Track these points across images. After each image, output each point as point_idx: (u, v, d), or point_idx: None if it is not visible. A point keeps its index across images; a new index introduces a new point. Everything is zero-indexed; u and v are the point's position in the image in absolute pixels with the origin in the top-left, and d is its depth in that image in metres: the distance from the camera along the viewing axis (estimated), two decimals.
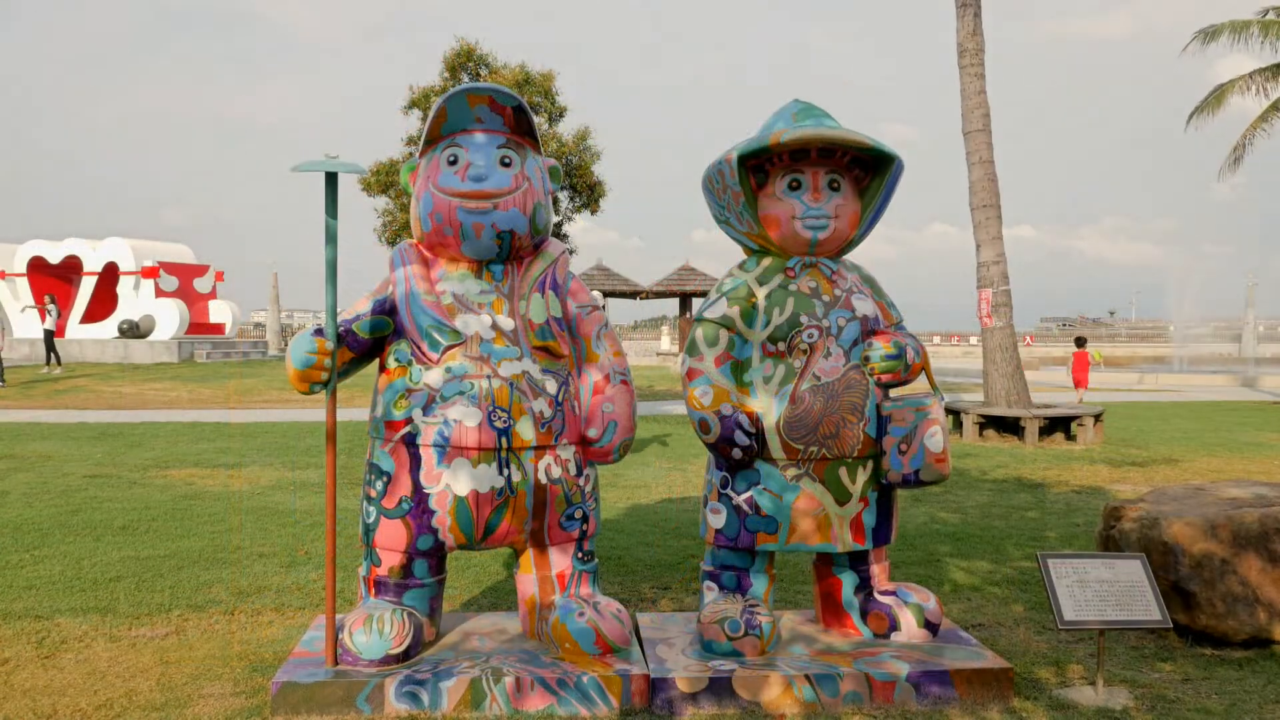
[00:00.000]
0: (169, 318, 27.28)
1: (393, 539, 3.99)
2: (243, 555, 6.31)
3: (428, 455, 3.89)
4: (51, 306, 23.98)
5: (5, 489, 8.61)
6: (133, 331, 26.87)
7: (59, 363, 23.61)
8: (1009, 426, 13.30)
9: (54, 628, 4.77)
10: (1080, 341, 18.78)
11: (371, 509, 4.05)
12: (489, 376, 3.88)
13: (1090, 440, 12.82)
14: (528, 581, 4.22)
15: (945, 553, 6.45)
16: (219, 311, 29.90)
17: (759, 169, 4.19)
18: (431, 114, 3.99)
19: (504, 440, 3.86)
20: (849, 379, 4.10)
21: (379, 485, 4.01)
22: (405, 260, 4.10)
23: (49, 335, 23.58)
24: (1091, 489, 9.12)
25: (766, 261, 4.28)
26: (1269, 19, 20.02)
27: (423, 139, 4.10)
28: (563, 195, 17.77)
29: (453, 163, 3.98)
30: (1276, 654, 4.48)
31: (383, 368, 4.09)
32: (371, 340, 4.02)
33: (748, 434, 4.02)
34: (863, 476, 4.15)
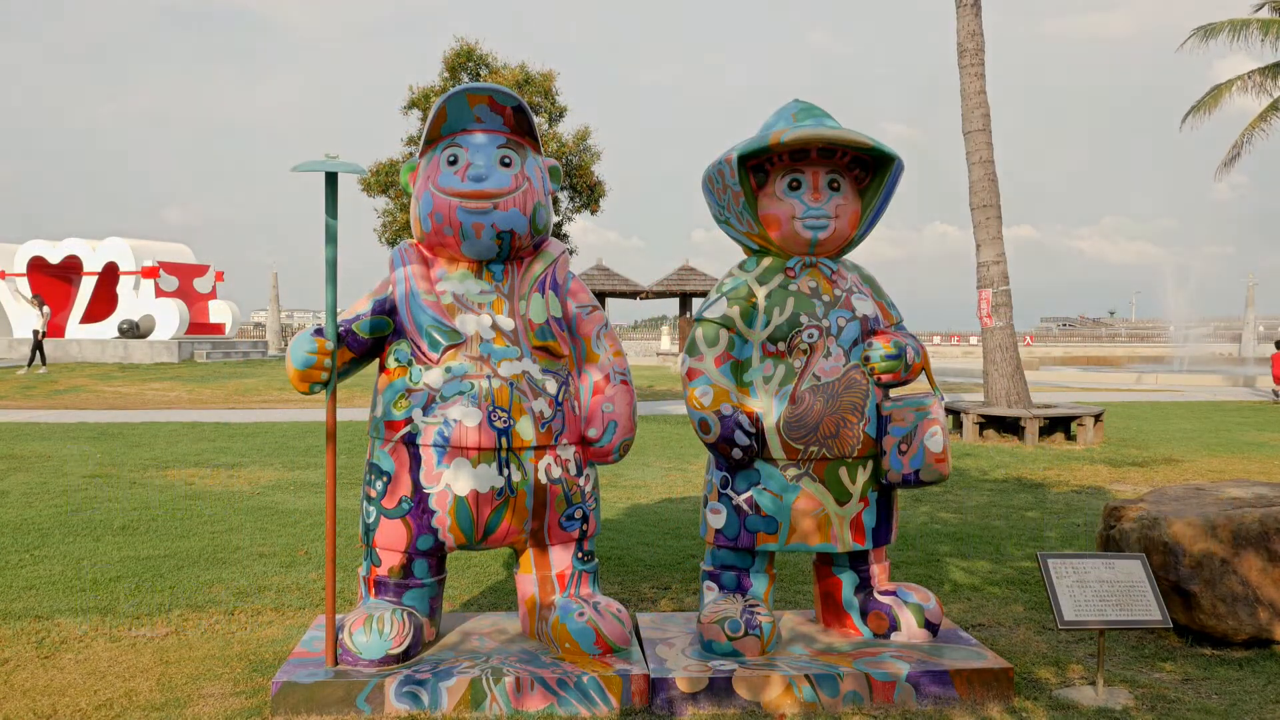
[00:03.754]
0: (169, 318, 27.28)
1: (393, 539, 3.99)
2: (243, 555, 6.31)
3: (428, 455, 3.89)
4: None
5: (5, 489, 8.61)
6: (133, 331, 26.87)
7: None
8: (1009, 426, 13.31)
9: (54, 628, 4.77)
10: None
11: (371, 509, 4.05)
12: (489, 376, 3.88)
13: (1090, 440, 12.82)
14: (528, 581, 4.22)
15: (945, 553, 6.45)
16: (219, 311, 29.90)
17: (759, 169, 4.19)
18: (431, 114, 3.99)
19: (504, 440, 3.87)
20: (849, 379, 4.11)
21: (379, 485, 4.01)
22: (405, 260, 4.10)
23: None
24: (1091, 489, 9.13)
25: (766, 261, 4.28)
26: (1269, 17, 20.01)
27: (422, 139, 4.10)
28: (563, 195, 17.77)
29: (453, 163, 3.98)
30: (1276, 654, 4.48)
31: (383, 368, 4.10)
32: (371, 340, 4.02)
33: (748, 434, 4.02)
34: (863, 476, 4.15)
